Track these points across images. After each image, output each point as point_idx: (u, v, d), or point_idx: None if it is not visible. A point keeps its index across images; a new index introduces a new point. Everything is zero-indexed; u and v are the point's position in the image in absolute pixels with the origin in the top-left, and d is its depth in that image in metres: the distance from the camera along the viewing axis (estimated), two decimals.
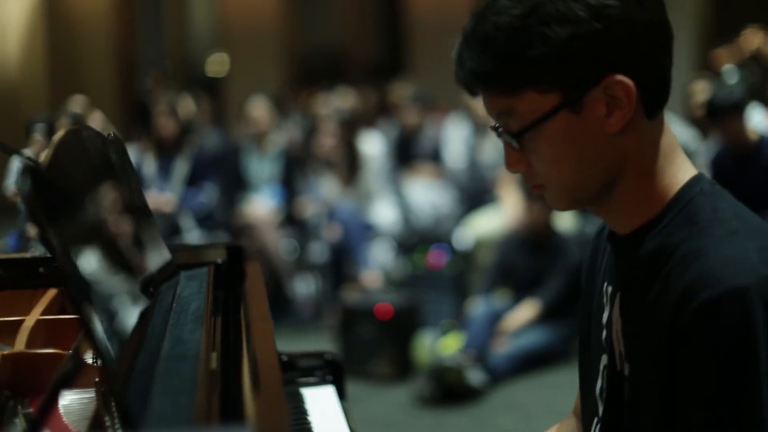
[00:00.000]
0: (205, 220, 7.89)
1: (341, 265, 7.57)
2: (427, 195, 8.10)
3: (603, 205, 1.59)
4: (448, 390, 5.66)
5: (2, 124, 12.21)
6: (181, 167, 7.88)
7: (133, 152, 8.34)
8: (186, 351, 1.61)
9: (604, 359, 1.67)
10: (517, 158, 1.57)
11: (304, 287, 7.95)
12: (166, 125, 7.87)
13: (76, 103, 9.46)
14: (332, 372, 2.64)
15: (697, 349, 1.41)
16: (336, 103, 9.34)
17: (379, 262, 7.65)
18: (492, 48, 1.49)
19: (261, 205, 7.92)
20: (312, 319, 7.60)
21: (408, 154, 8.68)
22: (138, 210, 2.08)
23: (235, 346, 1.83)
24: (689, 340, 1.42)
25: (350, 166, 7.80)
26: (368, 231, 7.65)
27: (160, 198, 7.72)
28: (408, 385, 5.98)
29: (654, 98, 1.54)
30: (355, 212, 7.63)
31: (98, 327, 1.26)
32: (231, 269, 2.46)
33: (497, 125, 1.56)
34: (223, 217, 8.02)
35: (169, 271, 2.18)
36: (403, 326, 6.23)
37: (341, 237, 7.50)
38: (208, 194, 7.89)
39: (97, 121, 9.73)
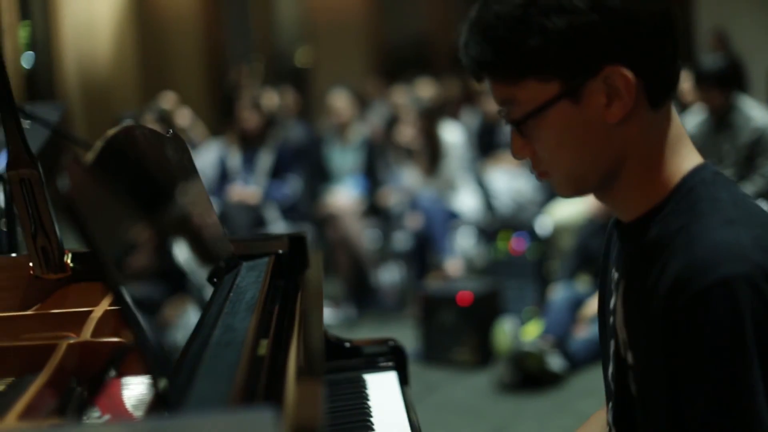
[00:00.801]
0: (289, 212, 8.02)
1: (425, 253, 7.64)
2: (509, 182, 8.12)
3: (607, 192, 1.62)
4: (528, 375, 5.69)
5: (94, 121, 12.49)
6: (264, 160, 8.02)
7: (218, 146, 8.52)
8: (234, 338, 1.69)
9: (612, 345, 1.70)
10: (521, 145, 1.60)
11: (388, 276, 8.04)
12: (249, 119, 8.01)
13: (165, 100, 9.67)
14: (395, 358, 2.70)
15: (689, 338, 1.43)
16: (417, 92, 9.40)
17: (462, 249, 7.71)
18: (493, 37, 1.53)
19: (344, 196, 8.02)
20: (397, 307, 7.68)
21: (490, 142, 8.71)
22: (197, 205, 2.16)
23: (286, 334, 1.90)
24: (682, 329, 1.44)
25: (431, 155, 7.85)
26: (451, 219, 7.70)
27: (245, 190, 7.87)
28: (489, 371, 6.02)
29: (657, 89, 1.55)
30: (437, 201, 7.68)
31: (134, 315, 1.34)
32: (293, 259, 2.53)
33: (502, 111, 1.60)
34: (308, 208, 8.14)
35: (230, 262, 2.27)
36: (483, 313, 6.28)
37: (424, 226, 7.57)
38: (293, 186, 8.01)
39: (184, 116, 9.95)
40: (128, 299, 1.34)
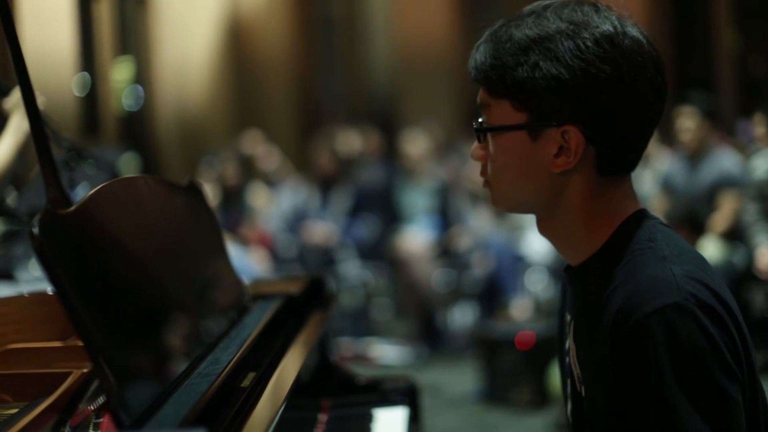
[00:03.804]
0: (365, 252, 8.24)
1: (494, 295, 7.77)
2: None
3: (548, 230, 1.77)
4: None
5: (190, 160, 12.82)
6: (341, 200, 8.24)
7: (298, 185, 8.79)
8: (214, 370, 1.87)
9: (569, 383, 1.84)
10: (478, 149, 1.76)
11: (459, 316, 8.19)
12: (324, 162, 8.26)
13: (249, 138, 9.95)
14: (408, 395, 2.85)
15: (631, 366, 1.57)
16: None
17: (530, 291, 7.82)
18: (497, 52, 1.70)
19: (414, 239, 8.19)
20: (467, 347, 7.80)
21: None
22: (209, 250, 2.36)
23: (272, 368, 2.08)
24: (624, 358, 1.58)
25: None
26: (519, 262, 7.82)
27: (320, 230, 8.09)
28: (547, 413, 6.11)
29: (608, 162, 1.69)
30: (506, 243, 7.81)
31: (102, 364, 1.52)
32: (309, 299, 2.72)
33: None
34: (383, 249, 8.34)
35: (242, 303, 2.45)
36: (544, 355, 6.37)
37: (494, 268, 7.70)
38: (369, 226, 8.22)
39: (270, 154, 10.22)
40: (89, 333, 1.53)
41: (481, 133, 1.74)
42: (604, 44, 1.65)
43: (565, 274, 1.84)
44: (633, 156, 1.73)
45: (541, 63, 1.65)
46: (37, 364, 2.28)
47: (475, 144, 1.77)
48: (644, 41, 1.70)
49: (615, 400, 1.62)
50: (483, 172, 1.78)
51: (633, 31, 1.69)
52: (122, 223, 1.87)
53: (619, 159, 1.71)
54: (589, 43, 1.64)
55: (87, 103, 10.32)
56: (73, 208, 1.68)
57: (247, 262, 7.28)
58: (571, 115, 1.66)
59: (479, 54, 1.73)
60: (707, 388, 1.54)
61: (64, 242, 1.58)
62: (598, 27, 1.66)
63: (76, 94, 9.54)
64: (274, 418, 1.72)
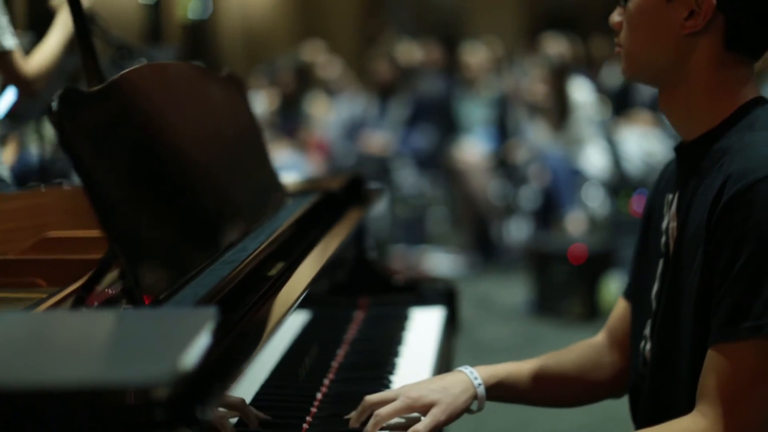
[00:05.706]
0: (422, 161, 8.23)
1: (550, 209, 7.74)
2: (640, 143, 8.10)
3: (670, 102, 1.81)
4: None
5: (250, 70, 12.84)
6: (399, 110, 8.21)
7: (357, 95, 8.77)
8: (239, 257, 1.87)
9: (661, 264, 1.86)
10: (617, 15, 1.83)
11: (515, 229, 8.17)
12: (383, 70, 8.22)
13: (312, 48, 9.93)
14: (446, 296, 2.85)
15: (732, 226, 1.60)
16: (550, 50, 9.43)
17: (586, 206, 7.77)
18: None
19: (472, 149, 8.15)
20: (520, 260, 7.79)
21: (626, 101, 8.69)
22: (245, 141, 2.36)
23: (302, 259, 2.08)
24: (726, 219, 1.61)
25: (560, 112, 7.91)
26: (576, 176, 7.76)
27: (376, 139, 8.09)
28: (597, 325, 6.10)
29: (736, 36, 1.72)
30: (564, 157, 7.75)
31: (115, 242, 1.53)
32: (348, 196, 2.72)
33: None
34: (440, 159, 8.33)
35: (279, 197, 2.45)
36: (596, 269, 6.36)
37: (550, 181, 7.65)
38: (427, 136, 8.19)
39: (331, 65, 10.20)
40: (105, 210, 1.53)
41: None
42: None
43: (675, 151, 1.87)
44: (759, 38, 1.75)
45: None
46: (74, 252, 2.31)
47: (616, 11, 1.83)
48: None
49: (704, 259, 1.66)
50: (617, 37, 1.84)
51: None
52: (152, 105, 1.86)
53: (745, 35, 1.74)
54: None
55: (152, 10, 10.30)
56: (97, 87, 1.66)
57: (305, 166, 7.31)
58: None
59: None
60: None
61: (87, 120, 1.56)
62: None
63: (141, 1, 9.54)
64: (294, 303, 1.73)
